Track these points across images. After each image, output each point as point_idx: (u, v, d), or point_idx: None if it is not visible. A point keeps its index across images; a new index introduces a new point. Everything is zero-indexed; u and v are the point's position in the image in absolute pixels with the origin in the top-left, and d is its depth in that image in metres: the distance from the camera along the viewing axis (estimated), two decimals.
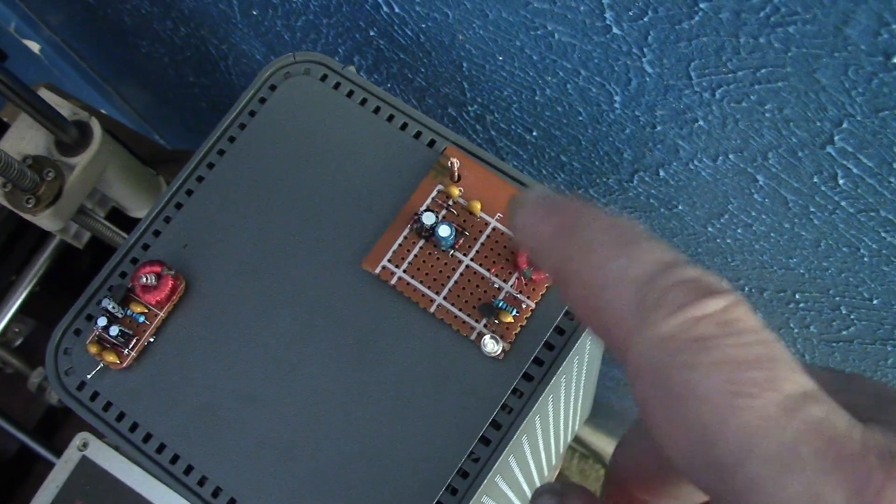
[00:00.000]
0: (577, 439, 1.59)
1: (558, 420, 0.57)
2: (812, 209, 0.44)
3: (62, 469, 0.66)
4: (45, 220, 0.58)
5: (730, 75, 0.37)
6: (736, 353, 0.16)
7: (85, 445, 0.66)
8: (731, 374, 0.16)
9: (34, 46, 1.10)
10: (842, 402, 0.16)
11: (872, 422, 0.15)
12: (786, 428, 0.15)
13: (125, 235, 0.44)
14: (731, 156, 0.43)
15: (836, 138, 0.37)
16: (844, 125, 0.36)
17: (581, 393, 0.62)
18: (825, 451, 0.15)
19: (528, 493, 0.61)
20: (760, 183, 0.44)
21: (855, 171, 0.39)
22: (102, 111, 0.93)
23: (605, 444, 1.57)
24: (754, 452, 0.15)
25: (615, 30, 0.39)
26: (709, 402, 0.15)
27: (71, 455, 0.66)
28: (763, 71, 0.36)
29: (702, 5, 0.34)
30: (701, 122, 0.42)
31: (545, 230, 0.19)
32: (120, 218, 0.69)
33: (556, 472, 0.93)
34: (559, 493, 0.21)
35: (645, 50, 0.39)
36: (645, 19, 0.37)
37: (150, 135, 1.28)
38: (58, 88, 0.70)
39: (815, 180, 0.41)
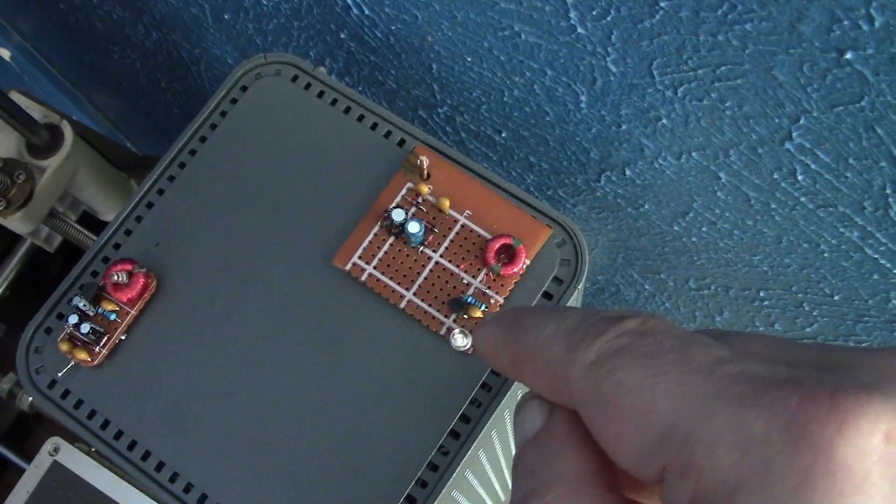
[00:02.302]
0: None
1: None
2: (773, 206, 0.45)
3: (33, 474, 0.66)
4: (15, 222, 0.58)
5: (691, 73, 0.38)
6: (652, 349, 0.18)
7: (56, 450, 0.66)
8: (650, 363, 0.18)
9: (5, 53, 1.10)
10: (787, 360, 0.18)
11: (807, 368, 0.17)
12: (705, 385, 0.17)
13: (96, 238, 0.44)
14: (694, 154, 0.44)
15: (794, 134, 0.38)
16: (802, 121, 0.37)
17: None
18: (743, 392, 0.16)
19: (499, 491, 0.62)
20: (723, 180, 0.45)
21: (813, 166, 0.40)
22: (74, 118, 0.93)
23: None
24: (681, 412, 0.17)
25: (580, 29, 0.40)
26: (635, 390, 0.18)
27: (42, 460, 0.66)
28: (723, 68, 0.37)
29: (662, 4, 0.35)
30: (664, 121, 0.43)
31: (495, 336, 0.23)
32: (91, 221, 0.69)
33: None
34: (547, 407, 0.22)
35: (609, 49, 0.40)
36: (608, 18, 0.38)
37: (121, 142, 1.28)
38: (29, 95, 0.70)
39: (776, 177, 0.42)
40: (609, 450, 0.19)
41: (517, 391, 0.43)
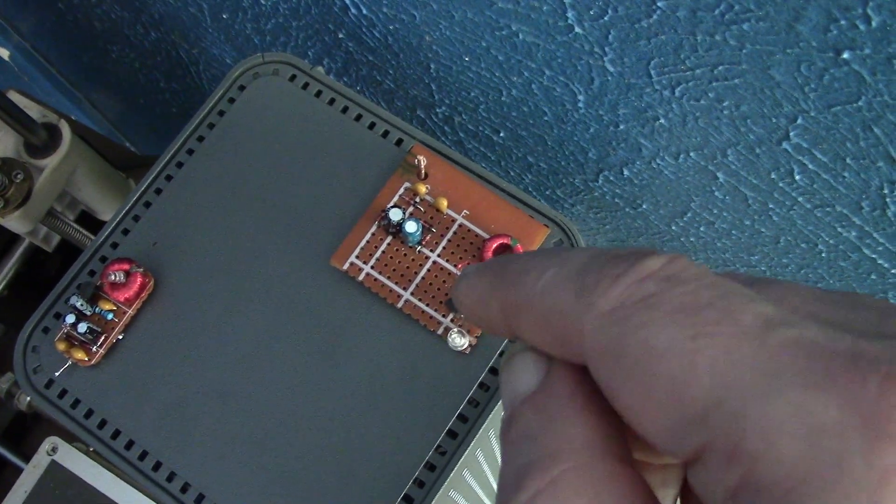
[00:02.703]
0: None
1: None
2: (771, 205, 0.45)
3: (31, 474, 0.66)
4: (13, 222, 0.58)
5: (688, 73, 0.38)
6: (685, 300, 0.15)
7: (54, 450, 0.66)
8: (686, 320, 0.15)
9: (4, 52, 1.10)
10: (841, 321, 0.15)
11: (870, 334, 0.14)
12: (758, 355, 0.14)
13: (94, 238, 0.44)
14: (691, 153, 0.44)
15: (791, 134, 0.38)
16: (799, 121, 0.37)
17: None
18: (807, 368, 0.14)
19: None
20: (721, 180, 0.45)
21: (811, 166, 0.40)
22: (73, 118, 0.93)
23: None
24: (730, 387, 0.14)
25: (577, 29, 0.40)
26: (670, 353, 0.15)
27: (40, 460, 0.66)
28: (720, 68, 0.37)
29: (660, 4, 0.35)
30: (662, 121, 0.43)
31: (482, 286, 0.19)
32: (89, 221, 0.69)
33: None
34: (546, 353, 0.18)
35: (606, 49, 0.40)
36: (605, 18, 0.38)
37: (120, 142, 1.28)
38: (28, 95, 0.70)
39: (773, 176, 0.42)
40: (631, 418, 0.16)
41: None
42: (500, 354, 0.41)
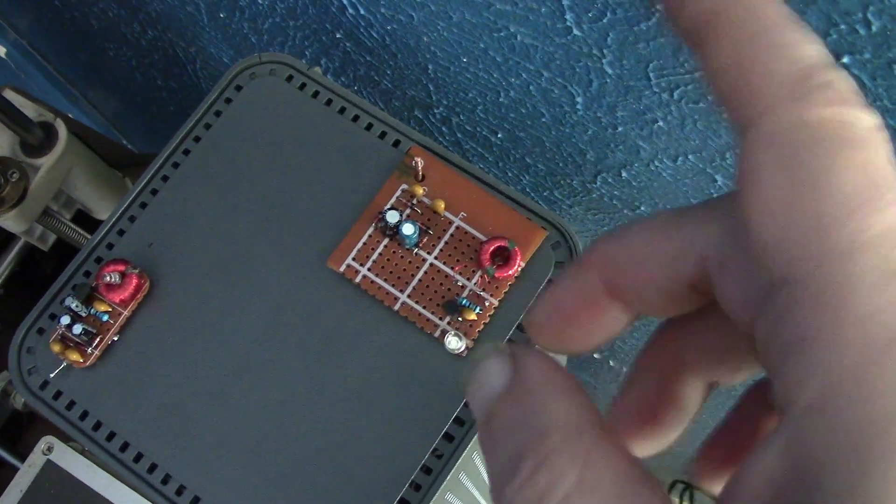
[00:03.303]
0: None
1: None
2: None
3: (26, 473, 0.65)
4: (9, 221, 0.58)
5: (687, 76, 0.38)
6: (880, 165, 0.15)
7: (49, 449, 0.66)
8: (871, 179, 0.15)
9: (0, 50, 1.09)
10: None
11: None
12: None
13: (90, 237, 0.44)
14: (690, 156, 0.44)
15: None
16: None
17: None
18: None
19: None
20: (719, 183, 0.45)
21: None
22: (70, 115, 0.92)
23: None
24: (868, 255, 0.14)
25: (576, 31, 0.39)
26: (840, 195, 0.15)
27: (35, 459, 0.65)
28: None
29: (659, 7, 0.35)
30: (660, 123, 0.43)
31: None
32: (86, 220, 0.68)
33: None
34: (509, 352, 0.19)
35: (605, 51, 0.40)
36: (604, 21, 0.37)
37: (118, 139, 1.28)
38: (25, 92, 0.69)
39: None
40: (755, 216, 0.16)
41: None
42: None
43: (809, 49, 0.16)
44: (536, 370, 0.18)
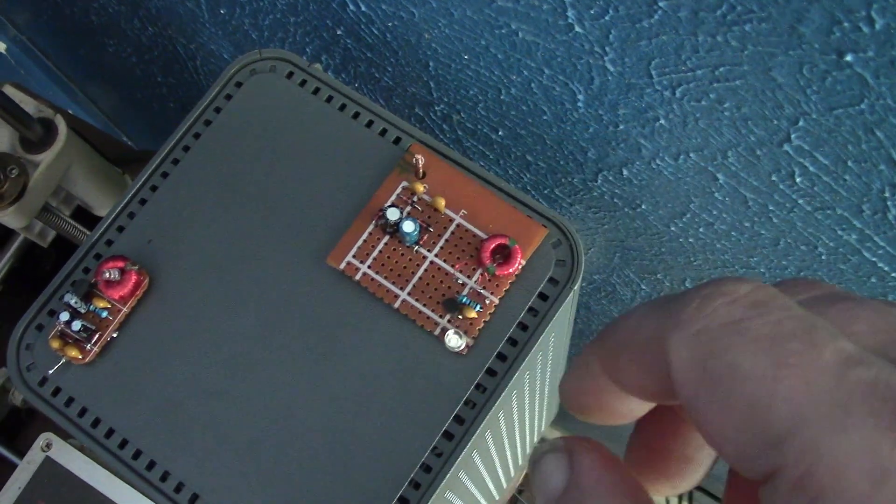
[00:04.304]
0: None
1: (523, 417, 0.58)
2: (771, 207, 0.45)
3: (25, 470, 0.65)
4: (8, 217, 0.58)
5: (689, 73, 0.38)
6: (771, 329, 0.16)
7: (48, 446, 0.66)
8: (771, 348, 0.15)
9: (0, 46, 1.09)
10: None
11: None
12: (835, 391, 0.15)
13: (90, 233, 0.44)
14: (692, 154, 0.44)
15: (792, 136, 0.38)
16: (801, 123, 0.37)
17: (546, 390, 0.62)
18: (880, 410, 0.14)
19: (493, 491, 0.62)
20: (721, 181, 0.45)
21: (811, 168, 0.40)
22: (70, 111, 0.92)
23: None
24: (806, 418, 0.15)
25: (577, 28, 0.39)
26: (752, 378, 0.15)
27: (34, 456, 0.65)
28: (721, 69, 0.37)
29: (661, 4, 0.35)
30: (662, 121, 0.43)
31: (580, 360, 0.21)
32: (85, 216, 0.68)
33: (524, 473, 0.94)
34: (565, 449, 0.20)
35: (607, 48, 0.39)
36: (606, 18, 0.37)
37: (117, 136, 1.28)
38: (25, 88, 0.69)
39: (774, 178, 0.42)
40: (711, 437, 0.17)
41: (512, 392, 0.42)
42: (498, 356, 0.40)
43: (661, 301, 0.18)
44: (590, 470, 0.19)
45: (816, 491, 0.15)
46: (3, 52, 1.10)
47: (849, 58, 0.32)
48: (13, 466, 0.66)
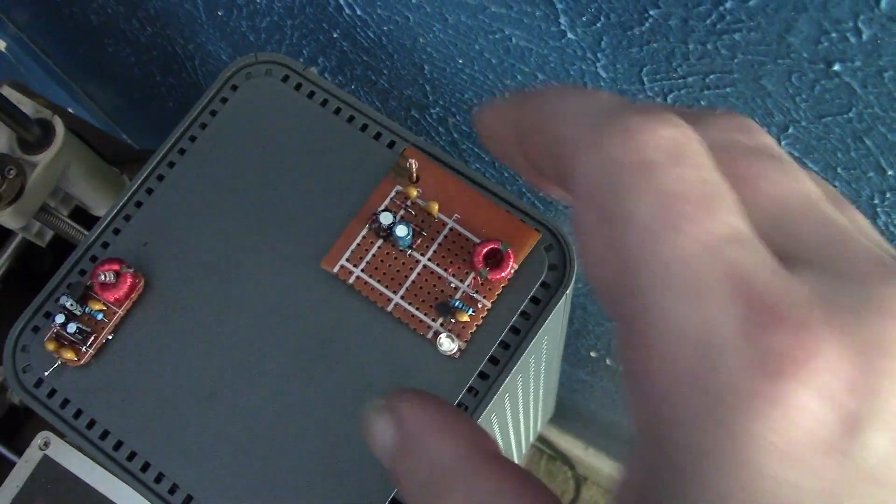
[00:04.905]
0: (544, 441, 1.59)
1: (517, 419, 0.58)
2: None
3: (23, 468, 0.66)
4: (6, 217, 0.58)
5: (680, 80, 0.38)
6: (676, 185, 0.16)
7: (46, 445, 0.66)
8: (667, 204, 0.16)
9: (0, 44, 1.09)
10: (791, 238, 0.16)
11: (811, 265, 0.15)
12: (701, 264, 0.15)
13: (88, 233, 0.44)
14: None
15: (782, 143, 0.38)
16: (790, 131, 0.37)
17: (540, 392, 0.62)
18: (731, 291, 0.15)
19: None
20: None
21: None
22: (69, 110, 0.93)
23: (573, 447, 1.58)
24: (667, 283, 0.15)
25: (570, 35, 0.39)
26: (639, 228, 0.16)
27: (32, 454, 0.66)
28: (712, 77, 0.37)
29: (652, 12, 0.35)
30: None
31: (501, 107, 0.20)
32: (83, 216, 0.69)
33: None
34: (387, 406, 0.21)
35: (599, 55, 0.40)
36: (598, 25, 0.38)
37: (117, 134, 1.28)
38: (24, 86, 0.69)
39: None
40: (583, 255, 0.17)
41: (505, 395, 0.43)
42: (490, 359, 0.41)
43: (606, 96, 0.18)
44: (414, 417, 0.20)
45: (645, 349, 0.15)
46: (4, 50, 1.11)
47: (837, 67, 0.32)
48: (11, 465, 0.66)
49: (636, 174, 0.16)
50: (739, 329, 0.14)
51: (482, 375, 0.40)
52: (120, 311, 0.42)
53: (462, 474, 0.19)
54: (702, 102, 0.39)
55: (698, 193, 0.16)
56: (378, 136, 0.45)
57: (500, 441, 0.55)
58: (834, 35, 0.31)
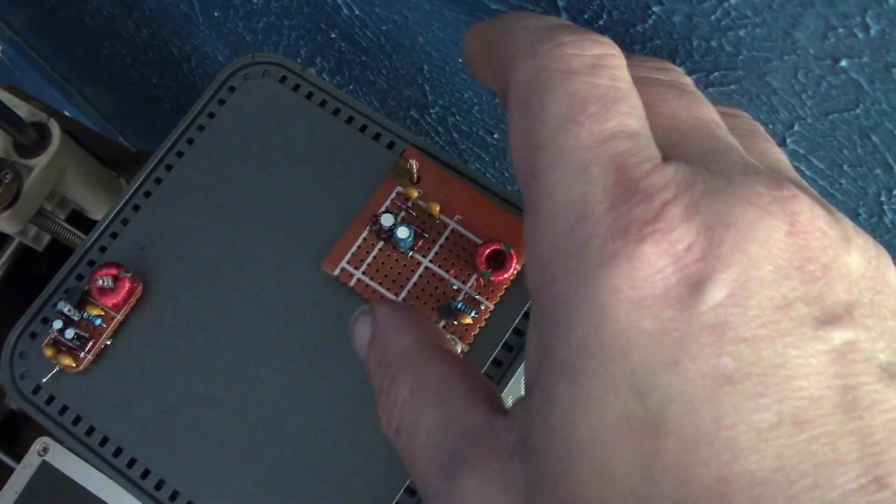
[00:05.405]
0: None
1: None
2: None
3: (22, 474, 0.65)
4: (2, 222, 0.58)
5: None
6: (587, 88, 0.18)
7: (45, 450, 0.65)
8: (574, 102, 0.18)
9: None
10: (676, 146, 0.19)
11: (688, 162, 0.18)
12: (589, 152, 0.18)
13: (85, 237, 0.44)
14: None
15: (788, 141, 0.38)
16: (796, 128, 0.37)
17: None
18: (611, 174, 0.17)
19: None
20: None
21: (807, 173, 0.40)
22: (66, 113, 0.92)
23: None
24: (560, 164, 0.18)
25: None
26: (548, 119, 0.18)
27: (31, 460, 0.65)
28: (716, 74, 0.36)
29: (655, 9, 0.34)
30: None
31: (482, 25, 0.24)
32: (80, 220, 0.68)
33: None
34: (369, 309, 0.26)
35: None
36: (600, 22, 0.37)
37: (114, 136, 1.27)
38: (19, 90, 0.69)
39: None
40: (509, 139, 0.20)
41: (508, 398, 0.42)
42: (493, 362, 0.40)
43: (550, 18, 0.21)
44: (384, 317, 0.25)
45: (536, 218, 0.18)
46: None
47: (844, 63, 0.32)
48: (10, 471, 0.66)
49: (556, 78, 0.19)
50: (610, 203, 0.17)
51: (486, 377, 0.40)
52: (118, 317, 0.42)
53: (412, 362, 0.23)
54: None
55: (604, 97, 0.19)
56: (378, 136, 0.44)
57: None
58: (841, 30, 0.30)
